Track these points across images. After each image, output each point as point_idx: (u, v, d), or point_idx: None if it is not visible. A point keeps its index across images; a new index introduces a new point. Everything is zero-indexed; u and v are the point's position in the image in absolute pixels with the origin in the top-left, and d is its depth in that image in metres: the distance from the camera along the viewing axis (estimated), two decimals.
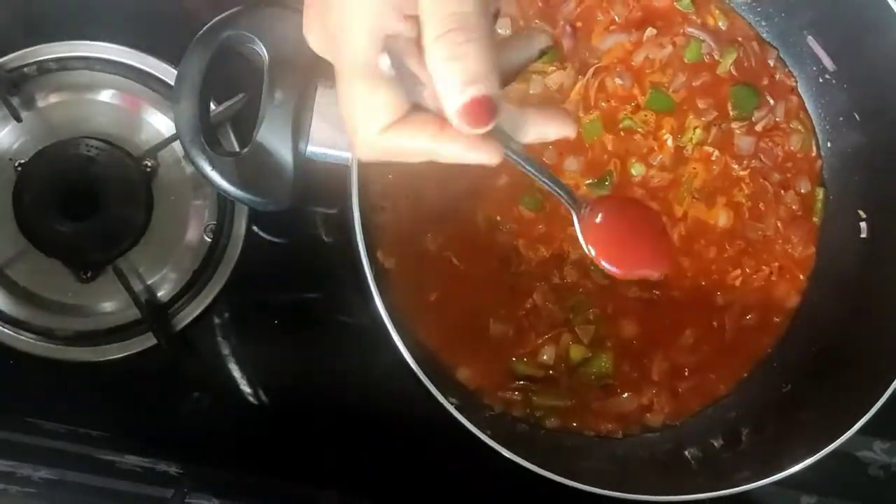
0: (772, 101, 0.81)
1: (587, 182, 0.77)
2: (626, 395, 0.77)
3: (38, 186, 0.75)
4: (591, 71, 0.77)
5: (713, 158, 0.79)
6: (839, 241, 0.80)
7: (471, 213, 0.75)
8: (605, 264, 0.56)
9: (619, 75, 0.78)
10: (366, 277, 0.61)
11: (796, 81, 0.82)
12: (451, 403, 0.63)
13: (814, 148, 0.82)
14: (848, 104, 0.79)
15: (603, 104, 0.78)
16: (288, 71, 0.60)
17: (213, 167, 0.60)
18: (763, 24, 0.82)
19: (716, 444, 0.76)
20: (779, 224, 0.80)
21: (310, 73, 0.61)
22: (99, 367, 0.78)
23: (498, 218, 0.75)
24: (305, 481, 0.81)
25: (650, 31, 0.79)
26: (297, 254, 0.84)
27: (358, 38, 0.45)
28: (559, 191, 0.55)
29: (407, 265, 0.74)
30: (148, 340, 0.78)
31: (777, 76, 0.82)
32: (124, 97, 0.81)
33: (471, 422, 0.63)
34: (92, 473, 0.76)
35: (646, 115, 0.78)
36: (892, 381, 0.67)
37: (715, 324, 0.78)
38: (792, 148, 0.81)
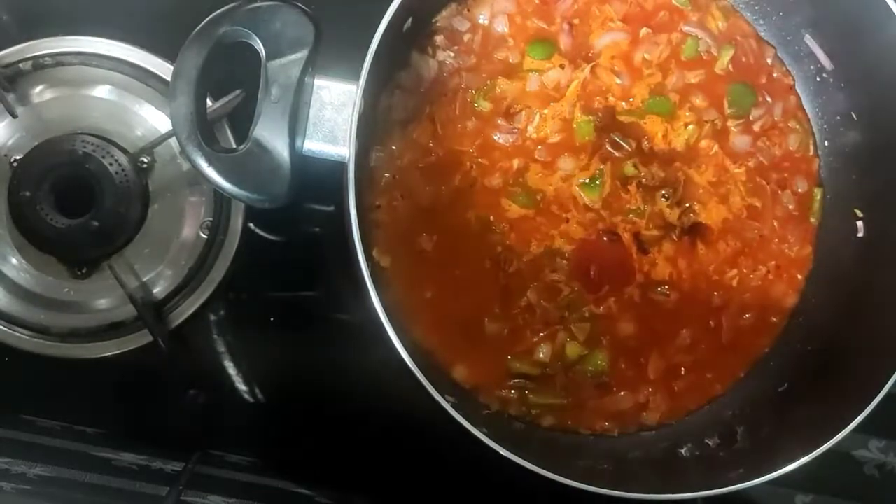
0: (769, 100, 0.81)
1: (579, 181, 0.76)
2: (622, 393, 0.77)
3: (34, 182, 0.75)
4: (587, 69, 0.77)
5: (710, 154, 0.79)
6: (836, 240, 0.80)
7: (463, 212, 0.75)
8: None
9: (618, 74, 0.78)
10: (362, 275, 0.61)
11: (794, 80, 0.82)
12: (448, 401, 0.63)
13: (811, 147, 0.82)
14: (846, 103, 0.79)
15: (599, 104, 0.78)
16: (285, 67, 0.60)
17: (210, 164, 0.60)
18: (761, 22, 0.82)
19: (711, 442, 0.76)
20: (776, 224, 0.80)
21: (307, 70, 0.60)
22: (94, 364, 0.78)
23: (491, 218, 0.75)
24: (301, 478, 0.81)
25: (645, 31, 0.79)
26: (293, 251, 0.84)
27: None
28: None
29: (402, 264, 0.74)
30: (143, 337, 0.78)
31: (775, 74, 0.82)
32: (120, 93, 0.80)
33: (467, 420, 0.62)
34: (87, 471, 0.76)
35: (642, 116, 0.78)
36: (888, 379, 0.67)
37: (712, 323, 0.78)
38: (790, 147, 0.81)
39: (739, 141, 0.80)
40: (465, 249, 0.75)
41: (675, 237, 0.78)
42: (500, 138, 0.76)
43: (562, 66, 0.77)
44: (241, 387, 0.82)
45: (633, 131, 0.78)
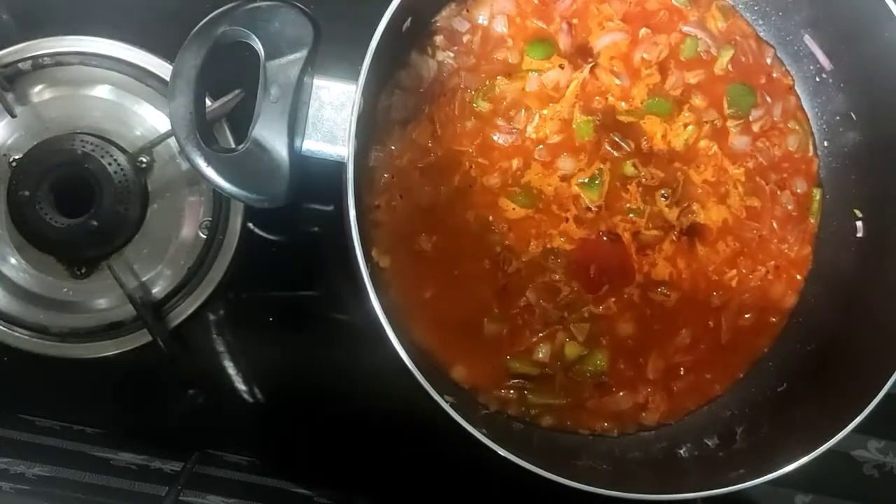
0: (769, 100, 0.81)
1: (579, 181, 0.76)
2: (621, 393, 0.77)
3: (33, 182, 0.75)
4: (586, 69, 0.77)
5: (709, 155, 0.79)
6: (836, 240, 0.80)
7: (463, 212, 0.75)
8: None
9: (617, 75, 0.78)
10: (362, 275, 0.61)
11: (793, 80, 0.82)
12: (447, 401, 0.63)
13: (810, 148, 0.82)
14: (845, 104, 0.79)
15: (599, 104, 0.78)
16: (284, 67, 0.60)
17: (209, 164, 0.60)
18: (760, 22, 0.82)
19: (711, 443, 0.76)
20: (775, 224, 0.80)
21: (306, 69, 0.60)
22: (93, 363, 0.78)
23: (490, 217, 0.75)
24: (301, 478, 0.81)
25: (644, 31, 0.78)
26: (292, 251, 0.83)
27: None
28: None
29: (401, 264, 0.74)
30: (143, 337, 0.78)
31: (774, 75, 0.82)
32: (119, 93, 0.80)
33: (466, 420, 0.62)
34: (86, 470, 0.76)
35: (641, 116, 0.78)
36: (888, 380, 0.67)
37: (711, 324, 0.78)
38: (789, 148, 0.81)
39: (739, 141, 0.80)
40: (465, 249, 0.75)
41: (674, 237, 0.78)
42: (499, 138, 0.76)
43: (561, 67, 0.77)
44: (241, 387, 0.82)
45: (633, 131, 0.78)
